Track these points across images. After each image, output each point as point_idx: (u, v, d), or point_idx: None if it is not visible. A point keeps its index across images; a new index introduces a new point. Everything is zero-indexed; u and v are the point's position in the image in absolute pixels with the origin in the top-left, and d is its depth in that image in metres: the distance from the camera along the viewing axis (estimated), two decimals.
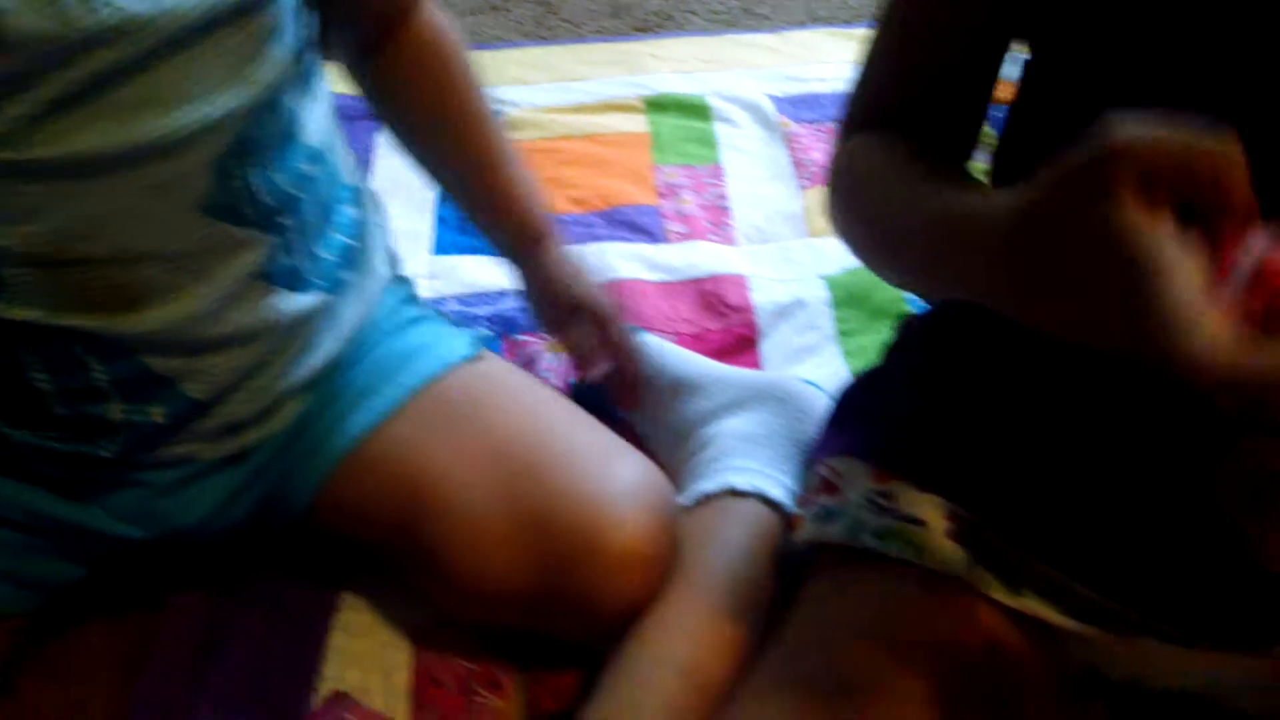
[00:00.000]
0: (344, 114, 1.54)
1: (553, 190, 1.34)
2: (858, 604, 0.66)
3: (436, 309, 0.94)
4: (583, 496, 0.72)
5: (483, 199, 0.89)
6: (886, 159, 0.61)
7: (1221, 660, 0.64)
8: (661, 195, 1.32)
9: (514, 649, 0.80)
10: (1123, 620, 0.63)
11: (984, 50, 0.61)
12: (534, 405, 0.79)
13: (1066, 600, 0.64)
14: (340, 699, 0.76)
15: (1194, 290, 0.38)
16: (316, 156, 0.70)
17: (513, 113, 1.49)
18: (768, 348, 1.08)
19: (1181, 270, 0.38)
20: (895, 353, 0.77)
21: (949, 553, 0.65)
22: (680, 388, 0.92)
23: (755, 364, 1.06)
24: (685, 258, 1.20)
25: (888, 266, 0.62)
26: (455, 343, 0.82)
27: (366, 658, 0.80)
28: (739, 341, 1.09)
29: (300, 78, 0.67)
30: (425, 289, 1.19)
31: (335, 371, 0.77)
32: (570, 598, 0.71)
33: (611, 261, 1.19)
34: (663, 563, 0.72)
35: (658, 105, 1.49)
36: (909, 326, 0.77)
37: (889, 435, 0.73)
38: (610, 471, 0.74)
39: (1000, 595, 0.64)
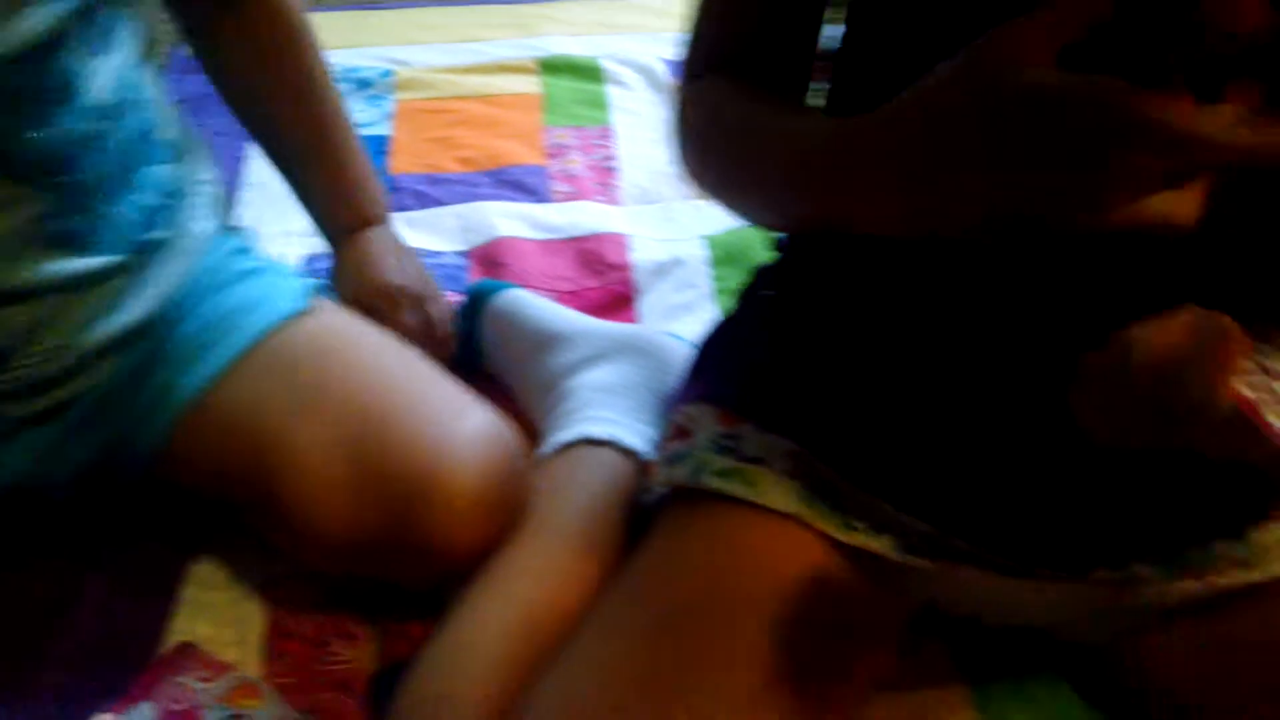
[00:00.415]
0: None
1: (441, 150, 1.33)
2: (696, 542, 0.67)
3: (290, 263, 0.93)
4: (423, 445, 0.71)
5: (316, 174, 0.90)
6: (735, 96, 0.62)
7: (1049, 590, 0.66)
8: (550, 156, 1.31)
9: (368, 600, 0.80)
10: (952, 551, 0.65)
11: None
12: (376, 356, 0.78)
13: (898, 534, 0.66)
14: (186, 649, 0.75)
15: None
16: (108, 113, 0.68)
17: (404, 72, 1.47)
18: (645, 305, 1.08)
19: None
20: (745, 300, 0.77)
21: (785, 491, 0.67)
22: (546, 341, 0.92)
23: (632, 321, 1.07)
24: (568, 217, 1.19)
25: (747, 200, 0.61)
26: (290, 295, 0.80)
27: (219, 610, 0.79)
28: (616, 299, 1.09)
29: (87, 33, 0.65)
30: (305, 246, 1.17)
31: (161, 327, 0.75)
32: (412, 545, 0.70)
33: (494, 220, 1.18)
34: (504, 511, 0.73)
35: (551, 67, 1.48)
36: (760, 274, 0.77)
37: (737, 380, 0.73)
38: (452, 421, 0.74)
39: (833, 530, 0.66)
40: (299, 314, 0.79)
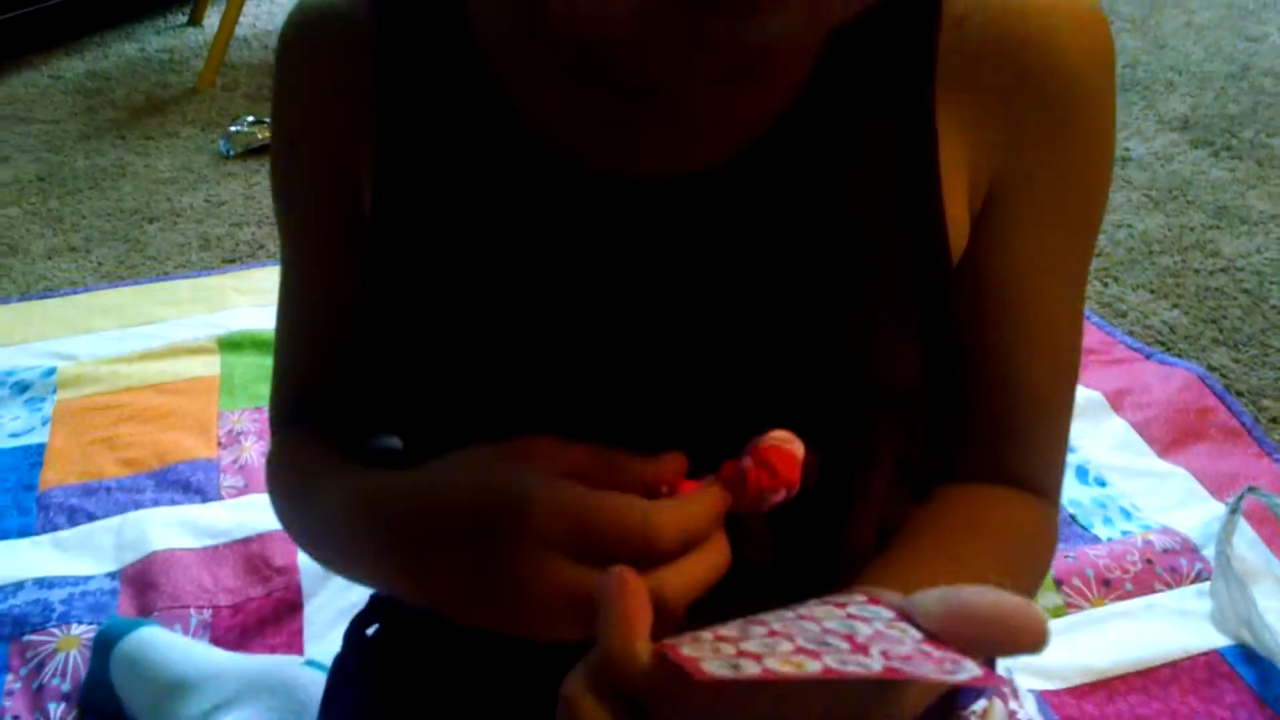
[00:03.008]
0: None
1: (103, 452, 1.25)
2: None
3: None
4: None
5: None
6: (307, 453, 0.59)
7: None
8: (222, 445, 1.26)
9: None
10: None
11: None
12: None
13: None
14: None
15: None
16: None
17: (68, 368, 1.40)
18: (312, 610, 1.02)
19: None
20: (351, 636, 0.73)
21: None
22: (174, 689, 0.84)
23: (298, 631, 1.00)
24: (235, 516, 1.13)
25: (324, 562, 0.59)
26: None
27: None
28: (281, 608, 1.03)
29: None
30: None
31: None
32: None
33: (151, 532, 1.10)
34: None
35: (232, 345, 1.44)
36: (367, 607, 0.73)
37: None
38: None
39: None
40: None
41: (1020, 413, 0.55)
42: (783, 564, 0.52)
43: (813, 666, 0.33)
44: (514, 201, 0.49)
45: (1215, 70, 2.22)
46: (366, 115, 0.51)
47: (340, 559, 0.56)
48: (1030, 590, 0.57)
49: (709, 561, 0.42)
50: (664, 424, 0.49)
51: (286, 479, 0.61)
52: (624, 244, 0.48)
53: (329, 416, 0.62)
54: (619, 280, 0.49)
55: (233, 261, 1.69)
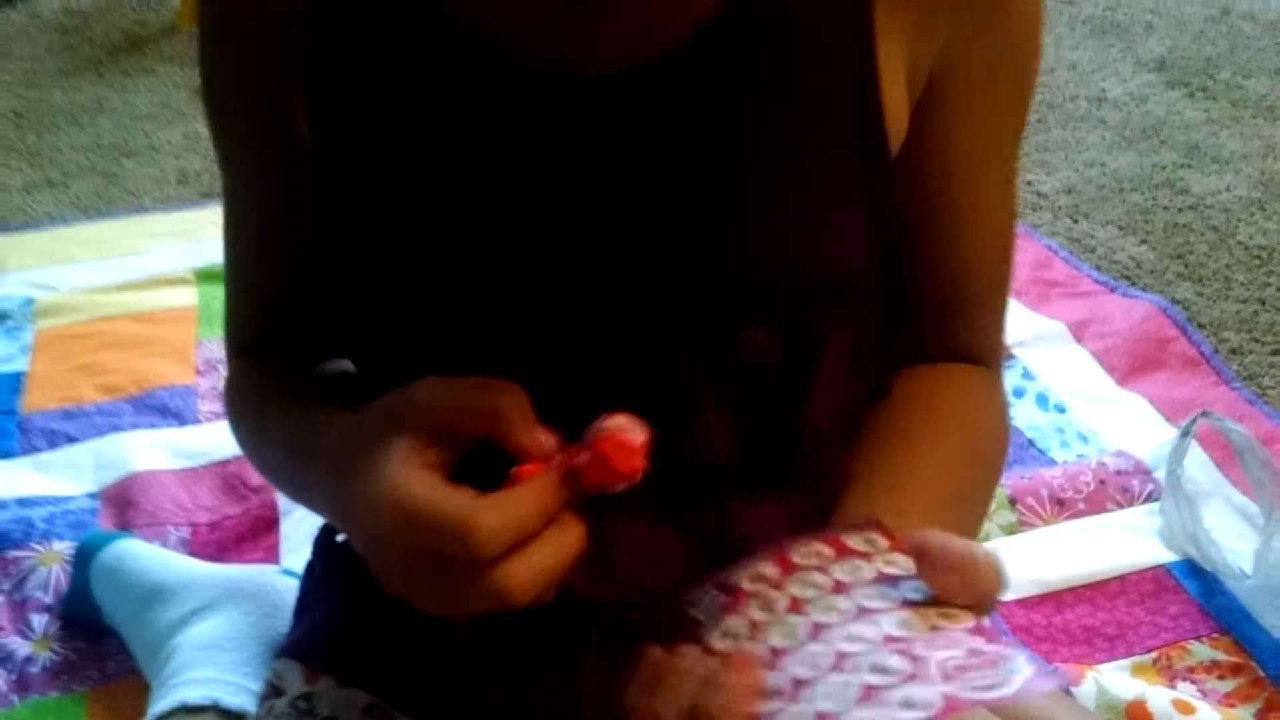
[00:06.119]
0: None
1: (83, 378, 1.27)
2: None
3: None
4: None
5: None
6: (264, 384, 0.61)
7: None
8: (200, 372, 1.27)
9: None
10: None
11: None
12: None
13: None
14: None
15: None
16: None
17: (48, 298, 1.41)
18: (288, 527, 1.05)
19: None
20: (321, 546, 0.75)
21: None
22: (152, 596, 0.87)
23: (274, 547, 1.03)
24: (212, 439, 1.15)
25: (281, 490, 0.62)
26: None
27: None
28: (258, 524, 1.05)
29: None
30: None
31: None
32: None
33: (130, 454, 1.12)
34: None
35: (208, 276, 1.44)
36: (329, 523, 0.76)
37: (316, 632, 0.71)
38: None
39: None
40: None
41: (963, 289, 0.59)
42: (746, 448, 0.55)
43: None
44: (451, 102, 0.50)
45: (1194, 13, 2.22)
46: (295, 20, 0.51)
47: (291, 491, 0.59)
48: (999, 463, 0.61)
49: (554, 549, 0.43)
50: (614, 319, 0.52)
51: (243, 409, 0.63)
52: (569, 141, 0.50)
53: (285, 340, 0.63)
54: (561, 177, 0.50)
55: (210, 196, 1.70)
